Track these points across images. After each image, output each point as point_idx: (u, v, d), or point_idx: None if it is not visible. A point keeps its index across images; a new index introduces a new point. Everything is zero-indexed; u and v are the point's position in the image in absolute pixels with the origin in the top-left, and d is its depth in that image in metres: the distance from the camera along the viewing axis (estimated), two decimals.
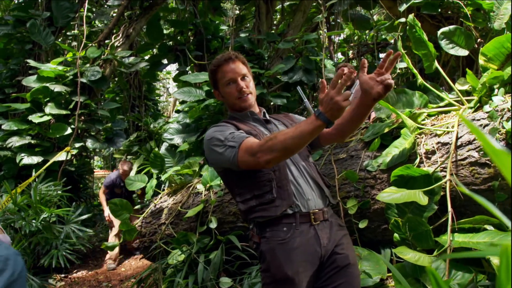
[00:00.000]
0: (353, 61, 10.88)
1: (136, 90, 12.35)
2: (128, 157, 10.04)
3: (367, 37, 11.41)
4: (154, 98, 13.98)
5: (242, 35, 7.25)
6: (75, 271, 7.01)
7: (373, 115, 5.17)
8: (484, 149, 0.46)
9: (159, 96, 17.11)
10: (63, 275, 6.66)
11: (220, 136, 2.18)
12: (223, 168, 2.28)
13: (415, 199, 3.07)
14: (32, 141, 7.01)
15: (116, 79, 11.70)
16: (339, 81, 1.87)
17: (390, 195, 3.20)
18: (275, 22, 10.17)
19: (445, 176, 3.31)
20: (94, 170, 20.98)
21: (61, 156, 6.70)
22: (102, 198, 7.41)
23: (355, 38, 11.36)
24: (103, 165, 19.67)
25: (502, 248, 0.53)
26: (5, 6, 10.39)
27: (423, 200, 3.07)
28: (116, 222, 6.73)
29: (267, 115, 2.48)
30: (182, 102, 7.30)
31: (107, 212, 7.02)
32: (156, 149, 6.25)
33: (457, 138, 3.43)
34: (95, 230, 8.69)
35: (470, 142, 3.36)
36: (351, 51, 11.41)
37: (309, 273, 2.09)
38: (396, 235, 3.44)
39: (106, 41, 8.64)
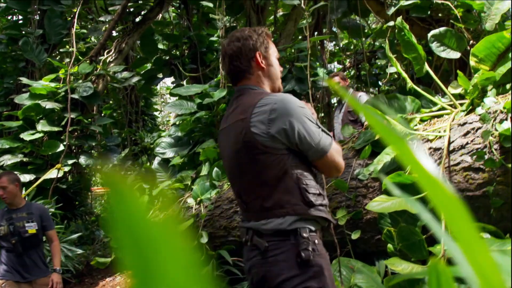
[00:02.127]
0: (351, 69, 10.78)
1: (134, 105, 12.28)
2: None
3: (364, 45, 11.33)
4: (151, 113, 13.91)
5: None
6: None
7: (366, 123, 5.08)
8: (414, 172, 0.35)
9: (159, 112, 17.04)
10: None
11: (310, 116, 1.99)
12: (287, 147, 1.95)
13: (407, 208, 2.94)
14: (25, 159, 6.93)
15: (111, 94, 11.64)
16: None
17: (380, 204, 3.08)
18: None
19: None
20: (96, 188, 20.91)
21: (52, 174, 6.60)
22: None
23: (351, 46, 11.28)
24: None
25: (430, 264, 0.41)
26: None
27: (415, 208, 2.93)
28: None
29: None
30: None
31: None
32: (148, 164, 6.15)
33: (449, 143, 3.31)
34: (93, 247, 8.57)
35: (462, 147, 3.23)
36: (348, 60, 11.32)
37: None
38: (389, 245, 3.31)
39: (101, 57, 8.59)
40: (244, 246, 2.05)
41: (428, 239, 3.16)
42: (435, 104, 4.01)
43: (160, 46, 10.68)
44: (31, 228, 3.81)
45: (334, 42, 11.67)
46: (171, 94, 9.52)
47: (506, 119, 3.02)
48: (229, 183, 2.28)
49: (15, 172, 4.93)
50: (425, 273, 2.81)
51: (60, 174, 6.80)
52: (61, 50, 9.15)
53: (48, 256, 4.63)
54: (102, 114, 12.56)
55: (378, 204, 3.07)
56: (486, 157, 3.05)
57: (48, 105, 7.09)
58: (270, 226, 1.91)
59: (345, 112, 5.52)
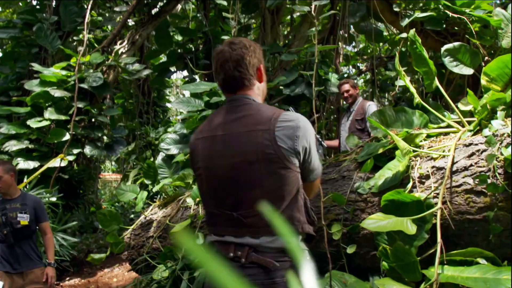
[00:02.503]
0: (367, 74, 10.65)
1: (146, 96, 12.27)
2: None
3: (382, 49, 11.18)
4: (164, 104, 13.87)
5: None
6: (68, 278, 6.89)
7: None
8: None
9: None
10: (55, 283, 6.53)
11: None
12: (299, 165, 1.95)
13: (402, 228, 2.86)
14: (30, 146, 6.93)
15: (122, 85, 11.64)
16: None
17: (376, 222, 3.00)
18: (285, 33, 10.01)
19: (437, 203, 3.09)
20: (106, 174, 21.00)
21: (55, 162, 6.59)
22: None
23: (368, 51, 11.14)
24: (116, 168, 19.61)
25: None
26: (13, 10, 10.41)
27: (411, 229, 2.85)
28: None
29: None
30: None
31: None
32: (152, 159, 6.11)
33: (453, 163, 3.21)
34: (96, 236, 8.58)
35: (466, 168, 3.14)
36: (364, 64, 11.18)
37: None
38: (384, 263, 3.23)
39: (116, 48, 8.57)
40: (231, 262, 1.88)
41: (423, 261, 3.09)
42: (443, 120, 3.91)
43: (176, 38, 10.66)
44: (23, 219, 3.78)
45: (352, 45, 11.56)
46: (184, 88, 9.50)
47: None
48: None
49: (9, 161, 4.92)
50: None
51: (64, 164, 6.79)
52: (75, 38, 9.14)
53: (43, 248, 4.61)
54: (114, 103, 12.60)
55: (374, 222, 2.99)
56: (489, 181, 2.96)
57: (57, 93, 7.09)
58: (277, 244, 1.83)
59: (353, 120, 5.41)
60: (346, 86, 5.51)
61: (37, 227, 4.03)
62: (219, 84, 2.08)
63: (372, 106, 5.30)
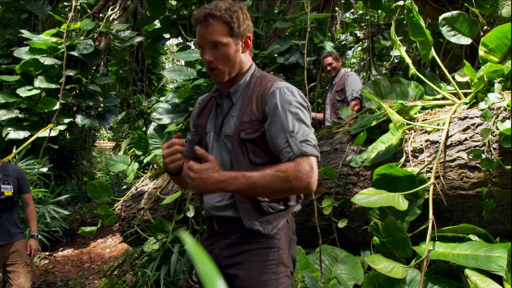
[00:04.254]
0: (365, 41, 10.45)
1: (140, 63, 12.06)
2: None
3: (380, 17, 10.95)
4: (158, 72, 13.65)
5: None
6: (61, 249, 6.88)
7: (352, 104, 4.94)
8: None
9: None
10: (47, 253, 6.53)
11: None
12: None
13: (394, 204, 2.80)
14: (20, 115, 6.80)
15: (114, 52, 11.41)
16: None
17: (367, 197, 2.94)
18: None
19: (430, 178, 3.02)
20: (102, 142, 20.86)
21: (45, 132, 6.48)
22: None
23: (366, 18, 10.90)
24: (112, 136, 19.47)
25: None
26: None
27: (403, 205, 2.79)
28: None
29: (231, 96, 1.94)
30: None
31: None
32: (144, 129, 6.00)
33: (447, 137, 3.13)
34: (90, 205, 8.55)
35: (460, 142, 3.06)
36: (362, 32, 10.97)
37: None
38: (375, 238, 3.18)
39: (107, 15, 8.34)
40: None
41: (415, 236, 3.04)
42: (439, 92, 3.81)
43: (170, 3, 10.37)
44: (7, 190, 3.68)
45: (350, 11, 11.33)
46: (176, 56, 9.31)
47: (508, 118, 2.83)
48: None
49: None
50: (405, 274, 2.70)
51: (55, 133, 6.67)
52: (66, 3, 8.89)
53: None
54: (107, 70, 12.40)
55: (365, 197, 2.93)
56: (483, 156, 2.89)
57: (47, 61, 6.92)
58: None
59: (333, 92, 5.35)
60: (329, 59, 5.42)
61: (19, 199, 3.93)
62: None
63: (351, 76, 5.21)
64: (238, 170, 1.78)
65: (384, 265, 2.76)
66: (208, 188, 1.65)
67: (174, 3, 10.21)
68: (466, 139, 3.04)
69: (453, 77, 3.91)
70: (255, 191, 1.68)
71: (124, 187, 6.39)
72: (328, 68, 5.43)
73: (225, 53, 1.83)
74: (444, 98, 3.70)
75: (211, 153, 1.92)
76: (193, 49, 7.00)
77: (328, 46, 6.50)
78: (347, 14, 11.61)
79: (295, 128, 1.73)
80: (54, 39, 7.30)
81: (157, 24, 11.19)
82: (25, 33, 7.40)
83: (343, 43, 9.77)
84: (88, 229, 4.84)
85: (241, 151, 1.84)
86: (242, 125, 1.84)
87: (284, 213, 1.89)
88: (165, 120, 6.04)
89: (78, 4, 8.52)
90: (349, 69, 7.85)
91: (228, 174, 1.67)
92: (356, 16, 10.71)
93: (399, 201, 2.81)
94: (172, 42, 16.85)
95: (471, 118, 3.12)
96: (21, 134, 6.59)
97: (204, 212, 1.99)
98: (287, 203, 1.89)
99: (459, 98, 3.59)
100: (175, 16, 9.82)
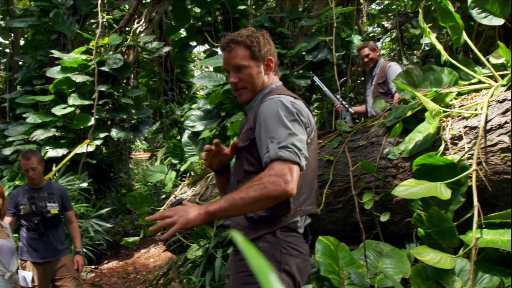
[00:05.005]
0: (393, 32, 10.28)
1: (169, 73, 12.22)
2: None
3: (407, 5, 10.78)
4: (188, 80, 13.78)
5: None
6: (106, 261, 7.01)
7: (396, 96, 4.79)
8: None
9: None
10: (93, 267, 6.67)
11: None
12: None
13: (436, 194, 2.74)
14: (57, 134, 6.98)
15: (143, 64, 11.57)
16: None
17: (408, 189, 2.88)
18: None
19: (472, 165, 2.95)
20: (138, 154, 21.17)
21: (82, 148, 6.63)
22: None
23: (393, 7, 10.73)
24: (147, 147, 19.70)
25: None
26: None
27: (445, 194, 2.73)
28: None
29: (247, 113, 2.14)
30: None
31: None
32: (179, 137, 6.06)
33: (486, 122, 3.05)
34: (131, 217, 8.69)
35: (501, 126, 2.98)
36: (389, 22, 10.81)
37: None
38: (420, 229, 3.12)
39: (133, 28, 8.47)
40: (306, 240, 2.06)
41: (460, 225, 2.97)
42: (474, 76, 3.71)
43: (194, 11, 10.47)
44: (53, 208, 3.80)
45: (376, 2, 11.18)
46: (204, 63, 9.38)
47: None
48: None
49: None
50: (454, 264, 2.64)
51: (92, 149, 6.82)
52: (92, 21, 9.08)
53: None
54: (138, 83, 12.59)
55: (405, 189, 2.88)
56: None
57: (79, 78, 7.08)
58: None
59: (375, 84, 5.21)
60: (366, 50, 5.26)
61: (62, 216, 4.04)
62: None
63: (393, 67, 5.06)
64: (235, 177, 2.03)
65: (431, 256, 2.71)
66: (192, 219, 1.70)
67: (198, 10, 10.32)
68: (506, 122, 2.95)
69: (488, 60, 3.81)
70: (238, 207, 1.72)
71: (163, 196, 6.47)
72: (366, 59, 5.27)
73: (247, 75, 2.01)
74: (480, 82, 3.61)
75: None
76: (220, 55, 7.04)
77: (356, 39, 6.45)
78: (373, 6, 11.49)
79: (276, 134, 1.81)
80: (84, 57, 7.47)
81: (183, 32, 11.32)
82: (56, 53, 7.59)
83: (371, 35, 9.64)
84: (131, 239, 4.92)
85: (238, 159, 2.05)
86: (241, 135, 2.03)
87: (270, 223, 1.90)
88: (199, 127, 6.10)
89: (105, 20, 8.67)
90: (388, 60, 7.71)
91: (207, 203, 1.80)
92: (382, 6, 10.58)
93: (442, 191, 2.75)
94: (199, 49, 17.00)
95: (510, 100, 3.03)
96: (59, 152, 6.77)
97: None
98: (274, 210, 1.88)
99: (496, 81, 3.49)
100: (200, 23, 9.92)
